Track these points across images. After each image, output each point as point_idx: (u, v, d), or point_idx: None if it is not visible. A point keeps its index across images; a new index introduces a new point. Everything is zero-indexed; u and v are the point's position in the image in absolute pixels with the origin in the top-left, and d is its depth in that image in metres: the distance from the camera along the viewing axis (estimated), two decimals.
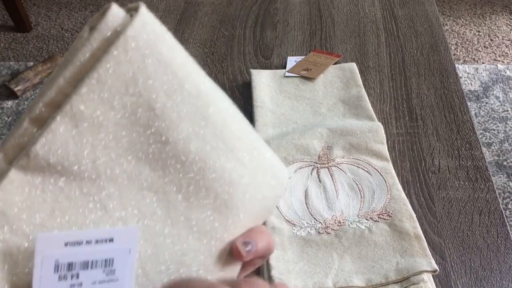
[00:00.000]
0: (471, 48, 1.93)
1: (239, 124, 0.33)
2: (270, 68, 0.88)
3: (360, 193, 0.62)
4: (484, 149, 1.47)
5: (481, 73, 1.77)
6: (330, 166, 0.66)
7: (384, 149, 0.68)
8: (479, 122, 1.58)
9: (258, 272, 0.56)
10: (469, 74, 1.77)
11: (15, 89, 1.76)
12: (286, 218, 0.60)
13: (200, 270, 0.32)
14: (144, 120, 0.29)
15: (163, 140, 0.29)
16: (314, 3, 1.06)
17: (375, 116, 0.73)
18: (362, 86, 0.79)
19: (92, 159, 0.28)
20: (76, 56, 0.27)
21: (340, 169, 0.65)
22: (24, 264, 0.26)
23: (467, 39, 1.98)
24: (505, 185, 1.39)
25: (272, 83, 0.82)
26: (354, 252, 0.56)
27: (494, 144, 1.50)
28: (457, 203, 0.63)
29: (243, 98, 0.81)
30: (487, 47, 1.93)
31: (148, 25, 0.28)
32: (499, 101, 1.65)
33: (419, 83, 0.82)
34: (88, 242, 0.27)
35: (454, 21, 2.08)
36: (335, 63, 0.86)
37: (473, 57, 1.88)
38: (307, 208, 0.61)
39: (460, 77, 1.75)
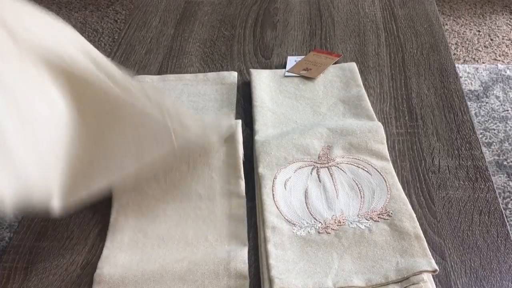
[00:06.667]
0: (471, 48, 1.93)
1: None
2: (270, 68, 0.87)
3: (360, 193, 0.62)
4: (484, 149, 1.47)
5: (481, 72, 1.77)
6: (330, 166, 0.66)
7: (384, 149, 0.68)
8: (479, 122, 1.58)
9: (258, 272, 0.56)
10: (469, 74, 1.77)
11: None
12: (286, 218, 0.60)
13: None
14: None
15: None
16: (314, 3, 1.06)
17: (375, 116, 0.73)
18: (362, 86, 0.79)
19: None
20: None
21: (340, 169, 0.65)
22: None
23: (467, 39, 1.98)
24: (505, 185, 1.39)
25: (272, 83, 0.82)
26: (354, 252, 0.56)
27: (494, 144, 1.50)
28: (457, 203, 0.63)
29: (243, 98, 0.81)
30: (487, 47, 1.92)
31: None
32: (499, 101, 1.65)
33: (419, 83, 0.82)
34: None
35: (454, 21, 2.08)
36: (335, 63, 0.86)
37: (473, 56, 1.88)
38: (307, 208, 0.61)
39: (460, 77, 1.75)
